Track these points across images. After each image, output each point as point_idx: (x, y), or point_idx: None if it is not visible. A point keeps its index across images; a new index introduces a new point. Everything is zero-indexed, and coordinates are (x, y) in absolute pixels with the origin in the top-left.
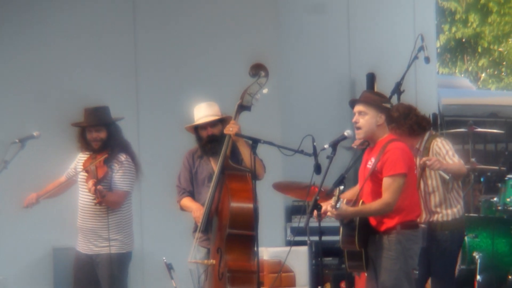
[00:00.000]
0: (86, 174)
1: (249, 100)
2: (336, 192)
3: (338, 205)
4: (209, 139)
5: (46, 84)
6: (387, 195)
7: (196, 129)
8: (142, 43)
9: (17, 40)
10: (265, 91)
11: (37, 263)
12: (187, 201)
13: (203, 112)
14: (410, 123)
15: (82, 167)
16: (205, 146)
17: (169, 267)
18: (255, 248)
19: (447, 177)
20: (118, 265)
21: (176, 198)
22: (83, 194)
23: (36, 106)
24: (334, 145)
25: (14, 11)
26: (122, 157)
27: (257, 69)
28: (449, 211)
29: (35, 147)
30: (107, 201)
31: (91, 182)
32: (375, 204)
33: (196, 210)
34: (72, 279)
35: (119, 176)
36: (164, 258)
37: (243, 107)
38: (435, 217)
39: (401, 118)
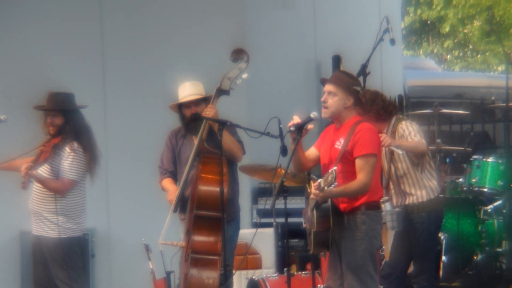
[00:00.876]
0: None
1: (228, 84)
2: (332, 174)
3: (332, 187)
4: (193, 118)
5: (14, 69)
6: (362, 176)
7: (180, 107)
8: (109, 24)
9: None
10: (244, 76)
11: (3, 246)
12: (166, 183)
13: (187, 91)
14: (377, 109)
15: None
16: (189, 125)
17: (147, 249)
18: (223, 231)
19: (399, 152)
20: (60, 248)
21: (158, 179)
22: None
23: (2, 90)
24: (300, 127)
25: None
26: (74, 145)
27: (238, 54)
28: (424, 192)
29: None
30: (49, 188)
31: (24, 165)
32: (354, 185)
33: (171, 193)
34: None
35: (67, 164)
36: (143, 239)
37: (222, 91)
38: (410, 200)
39: (368, 104)
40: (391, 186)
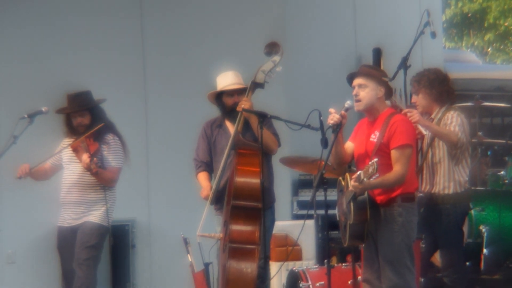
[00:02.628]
0: (75, 152)
1: (262, 77)
2: (373, 166)
3: (373, 178)
4: (235, 106)
5: (53, 67)
6: (399, 167)
7: (220, 96)
8: (149, 21)
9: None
10: (278, 69)
11: (44, 238)
12: (201, 178)
13: (230, 79)
14: (442, 90)
15: (70, 148)
16: (230, 114)
17: (186, 242)
18: (261, 221)
19: (424, 132)
20: (97, 234)
21: (194, 172)
22: (69, 172)
23: (43, 88)
24: (338, 123)
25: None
26: (109, 137)
27: (272, 47)
28: (451, 184)
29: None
30: (102, 178)
31: (85, 155)
32: (391, 176)
33: (204, 189)
34: (59, 258)
35: (110, 154)
36: (182, 233)
37: (256, 84)
38: (436, 189)
39: (436, 82)
40: (424, 171)
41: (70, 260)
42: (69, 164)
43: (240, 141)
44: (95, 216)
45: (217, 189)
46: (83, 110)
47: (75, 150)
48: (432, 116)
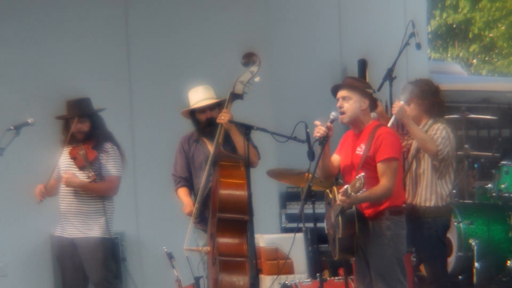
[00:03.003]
0: (73, 161)
1: (240, 88)
2: (360, 180)
3: (360, 193)
4: (208, 122)
5: (39, 75)
6: (385, 180)
7: (193, 113)
8: (134, 31)
9: (14, 34)
10: (257, 79)
11: (35, 250)
12: (181, 193)
13: (200, 95)
14: (434, 101)
15: (69, 155)
16: (204, 129)
17: (170, 256)
18: (248, 234)
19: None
20: (103, 248)
21: (174, 187)
22: (64, 183)
23: (29, 97)
24: (325, 136)
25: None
26: (108, 145)
27: (249, 58)
28: (433, 196)
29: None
30: (101, 188)
31: (83, 162)
32: (378, 190)
33: (186, 205)
34: (58, 266)
35: (109, 162)
36: (164, 247)
37: (235, 96)
38: (418, 200)
39: (429, 93)
40: (408, 182)
41: (71, 270)
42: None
43: (222, 153)
44: (96, 229)
45: (200, 204)
46: (84, 116)
47: (74, 158)
48: (420, 127)
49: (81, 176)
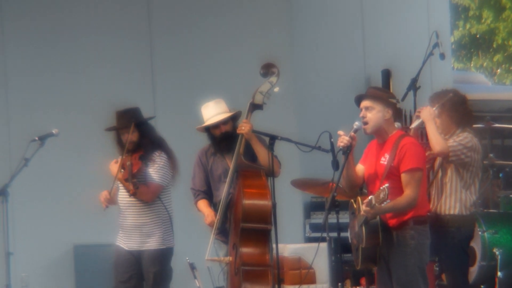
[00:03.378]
0: (125, 171)
1: (260, 98)
2: (384, 191)
3: (384, 204)
4: (223, 137)
5: (70, 87)
6: (409, 191)
7: (208, 128)
8: (158, 44)
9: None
10: (276, 89)
11: (58, 260)
12: (201, 205)
13: (212, 111)
14: (464, 112)
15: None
16: (220, 144)
17: (192, 267)
18: (271, 243)
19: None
20: (161, 260)
21: (193, 201)
22: (123, 192)
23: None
24: (348, 145)
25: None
26: (156, 154)
27: (268, 68)
28: (457, 205)
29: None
30: (140, 192)
31: (123, 176)
32: (402, 201)
33: (207, 216)
34: (113, 274)
35: (152, 170)
36: (187, 258)
37: (255, 106)
38: (442, 208)
39: (459, 104)
40: (433, 191)
41: (122, 281)
42: (121, 186)
43: (243, 163)
44: (154, 241)
45: (222, 215)
46: (131, 126)
47: (123, 169)
48: (447, 137)
49: (124, 188)
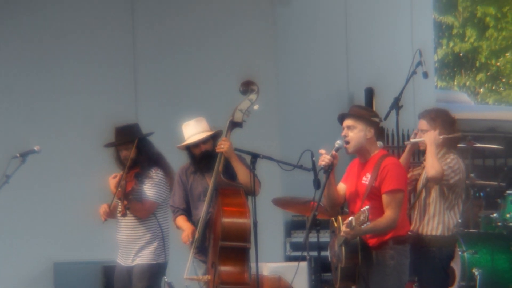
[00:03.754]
0: (119, 190)
1: (240, 116)
2: (364, 213)
3: (364, 226)
4: (202, 156)
5: (51, 100)
6: (390, 212)
7: (188, 147)
8: (141, 57)
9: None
10: (256, 107)
11: (38, 277)
12: (179, 221)
13: (192, 130)
14: (453, 133)
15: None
16: (200, 163)
17: (170, 286)
18: (249, 262)
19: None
20: (149, 276)
21: (172, 217)
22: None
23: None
24: (330, 164)
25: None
26: (153, 171)
27: (247, 86)
28: (440, 226)
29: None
30: (133, 209)
31: (117, 195)
32: (383, 222)
33: (186, 230)
34: None
35: (147, 187)
36: (165, 277)
37: (234, 124)
38: (425, 229)
39: (450, 124)
40: (416, 211)
41: None
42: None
43: (222, 181)
44: (144, 256)
45: (201, 234)
46: (128, 143)
47: (120, 186)
48: None
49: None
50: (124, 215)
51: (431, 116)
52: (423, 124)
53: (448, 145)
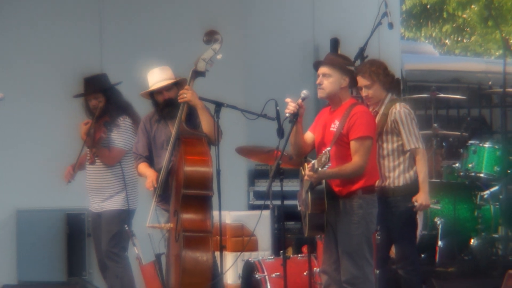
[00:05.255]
0: (87, 138)
1: (203, 65)
2: (325, 155)
3: (326, 167)
4: (166, 103)
5: (15, 46)
6: (358, 158)
7: (152, 94)
8: (106, 6)
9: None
10: (219, 57)
11: (0, 225)
12: (142, 167)
13: (156, 77)
14: (392, 78)
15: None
16: (162, 111)
17: (131, 234)
18: (211, 210)
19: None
20: (118, 221)
21: (134, 164)
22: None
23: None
24: (295, 113)
25: None
26: (120, 119)
27: (211, 35)
28: (401, 177)
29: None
30: (101, 156)
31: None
32: (348, 167)
33: (148, 176)
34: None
35: (115, 134)
36: (126, 225)
37: (197, 73)
38: (387, 182)
39: (387, 70)
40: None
41: (101, 245)
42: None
43: (185, 130)
44: (113, 203)
45: (163, 180)
46: (97, 92)
47: (88, 135)
48: (376, 108)
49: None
50: (92, 162)
51: (372, 70)
52: (364, 81)
53: (391, 89)
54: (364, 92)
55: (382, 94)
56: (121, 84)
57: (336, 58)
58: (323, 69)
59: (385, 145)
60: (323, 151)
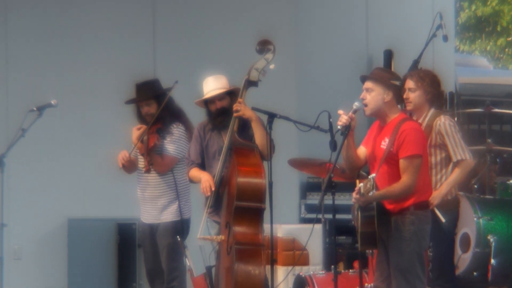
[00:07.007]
0: (141, 145)
1: (255, 75)
2: (370, 182)
3: (371, 194)
4: (218, 113)
5: (69, 56)
6: (406, 177)
7: (206, 103)
8: (160, 13)
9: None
10: (272, 67)
11: (51, 233)
12: (195, 171)
13: (210, 85)
14: (439, 92)
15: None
16: (215, 120)
17: (183, 246)
18: (263, 222)
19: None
20: (174, 233)
21: (186, 170)
22: (141, 161)
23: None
24: (347, 125)
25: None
26: (173, 126)
27: (264, 45)
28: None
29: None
30: (154, 163)
31: (140, 150)
32: (397, 187)
33: (204, 180)
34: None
35: (168, 142)
36: (178, 236)
37: (250, 83)
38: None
39: (436, 83)
40: None
41: (151, 256)
42: (139, 156)
43: (237, 141)
44: (169, 213)
45: (216, 191)
46: (149, 99)
47: (141, 142)
48: (420, 120)
49: (142, 162)
50: (148, 171)
51: (420, 75)
52: (410, 83)
53: (434, 103)
54: (405, 95)
55: (423, 104)
56: (173, 92)
57: (381, 72)
58: (367, 84)
59: (429, 158)
60: (368, 177)
